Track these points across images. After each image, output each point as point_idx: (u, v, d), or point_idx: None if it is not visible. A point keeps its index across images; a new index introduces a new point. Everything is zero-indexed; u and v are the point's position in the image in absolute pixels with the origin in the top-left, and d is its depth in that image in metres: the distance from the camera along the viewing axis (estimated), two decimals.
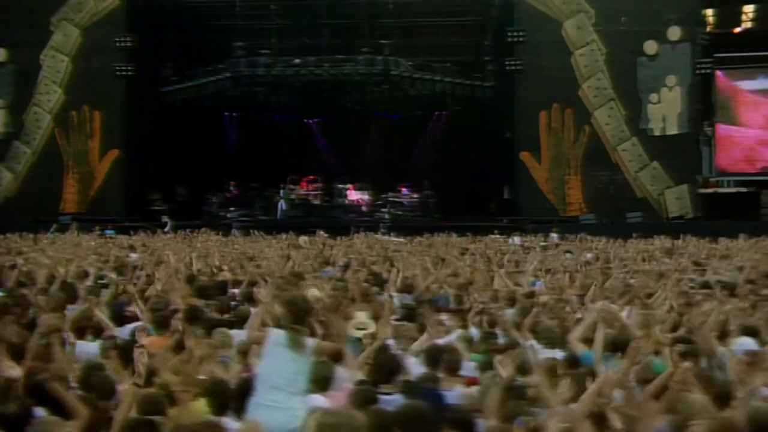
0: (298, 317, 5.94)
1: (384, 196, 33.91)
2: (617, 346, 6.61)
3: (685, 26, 31.75)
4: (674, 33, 31.78)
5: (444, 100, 33.57)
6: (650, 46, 31.76)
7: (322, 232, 27.43)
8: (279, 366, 5.76)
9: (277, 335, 5.92)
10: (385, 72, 30.72)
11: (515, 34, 31.46)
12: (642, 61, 31.81)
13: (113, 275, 13.11)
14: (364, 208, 34.18)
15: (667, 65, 31.89)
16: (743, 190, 34.20)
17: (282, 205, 34.43)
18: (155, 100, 32.71)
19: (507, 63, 31.51)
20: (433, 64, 32.20)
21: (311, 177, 35.49)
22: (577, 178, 31.89)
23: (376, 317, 8.52)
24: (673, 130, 32.04)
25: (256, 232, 26.41)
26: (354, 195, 35.01)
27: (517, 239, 25.42)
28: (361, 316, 8.27)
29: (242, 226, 30.57)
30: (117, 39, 31.85)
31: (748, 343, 6.85)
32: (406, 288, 10.86)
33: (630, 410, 4.71)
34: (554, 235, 27.31)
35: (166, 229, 30.36)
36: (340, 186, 35.08)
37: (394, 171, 34.77)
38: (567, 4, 31.60)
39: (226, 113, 36.43)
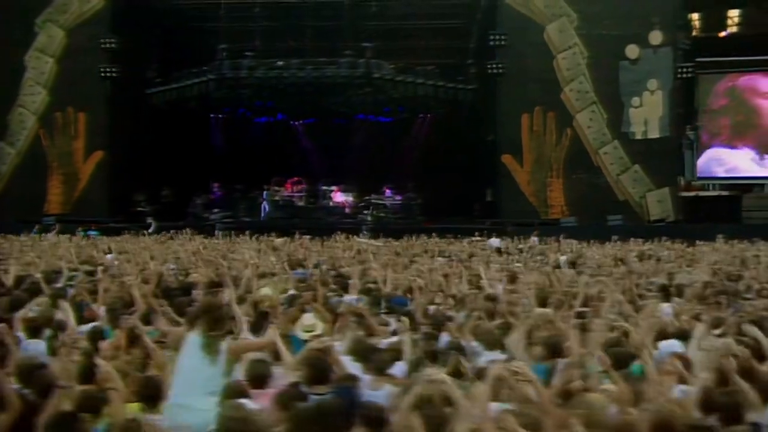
0: (213, 322, 6.17)
1: (367, 198, 34.06)
2: (554, 350, 6.79)
3: (666, 30, 31.96)
4: (656, 37, 32.03)
5: (427, 103, 33.72)
6: (632, 50, 32.01)
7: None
8: (194, 368, 5.98)
9: (193, 338, 6.13)
10: (367, 75, 30.91)
11: (497, 37, 31.67)
12: (624, 64, 32.07)
13: (83, 276, 13.30)
14: (347, 210, 34.34)
15: (648, 69, 32.14)
16: (725, 193, 34.51)
17: (266, 206, 34.58)
18: (140, 102, 32.87)
19: (489, 66, 31.71)
20: (416, 66, 32.36)
21: (296, 179, 35.62)
22: (559, 181, 32.11)
23: (325, 319, 8.73)
24: (654, 133, 32.28)
25: (232, 234, 26.52)
26: (339, 197, 35.18)
27: (495, 241, 25.57)
28: (308, 318, 8.46)
29: (225, 227, 30.74)
30: (101, 40, 31.97)
31: (674, 345, 7.03)
32: (366, 290, 11.02)
33: (532, 412, 4.86)
34: (535, 239, 27.52)
35: (150, 230, 30.51)
36: (325, 188, 35.24)
37: (378, 173, 34.92)
38: (549, 8, 31.83)
39: (211, 115, 36.51)
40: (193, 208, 34.07)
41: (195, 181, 34.56)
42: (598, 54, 31.83)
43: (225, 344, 6.18)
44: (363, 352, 6.90)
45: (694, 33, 35.36)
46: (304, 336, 8.05)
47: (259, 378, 6.40)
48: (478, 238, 27.46)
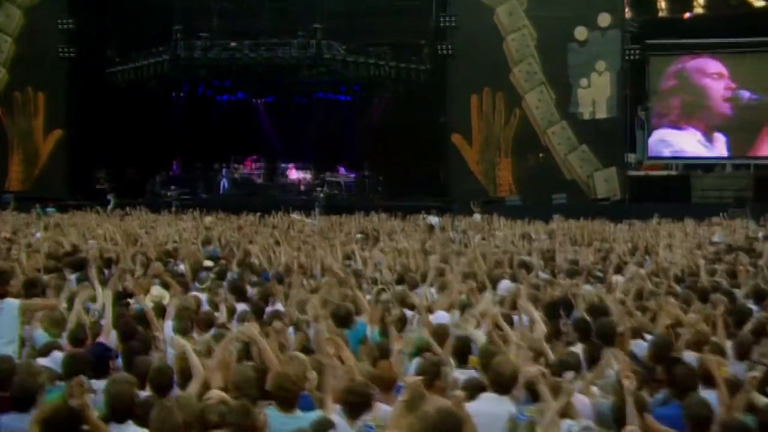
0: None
1: (322, 176, 34.81)
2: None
3: (615, 13, 32.54)
4: (604, 19, 32.57)
5: (382, 83, 34.20)
6: (580, 32, 32.57)
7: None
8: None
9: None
10: (318, 55, 31.50)
11: (448, 19, 32.32)
12: (572, 46, 32.62)
13: None
14: (302, 188, 35.10)
15: (597, 51, 32.68)
16: (674, 173, 35.24)
17: (225, 183, 35.36)
18: (99, 81, 33.32)
19: (439, 47, 32.39)
20: (369, 47, 32.86)
21: (254, 156, 36.37)
22: (508, 160, 32.84)
23: (175, 290, 9.70)
24: (602, 114, 32.91)
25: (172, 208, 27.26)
26: (294, 174, 35.96)
27: (434, 219, 26.29)
28: (157, 288, 9.44)
29: (183, 204, 31.47)
30: (59, 21, 32.55)
31: (442, 317, 7.86)
32: (242, 263, 11.96)
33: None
34: (477, 216, 28.32)
35: (109, 207, 31.22)
36: (283, 165, 36.02)
37: (334, 151, 35.68)
38: None
39: (173, 93, 37.03)
40: (152, 185, 34.76)
41: (157, 158, 35.16)
42: (546, 36, 32.39)
43: (17, 302, 7.22)
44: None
45: (660, 14, 36.10)
46: (150, 304, 9.01)
47: (78, 340, 7.33)
48: (424, 216, 28.22)
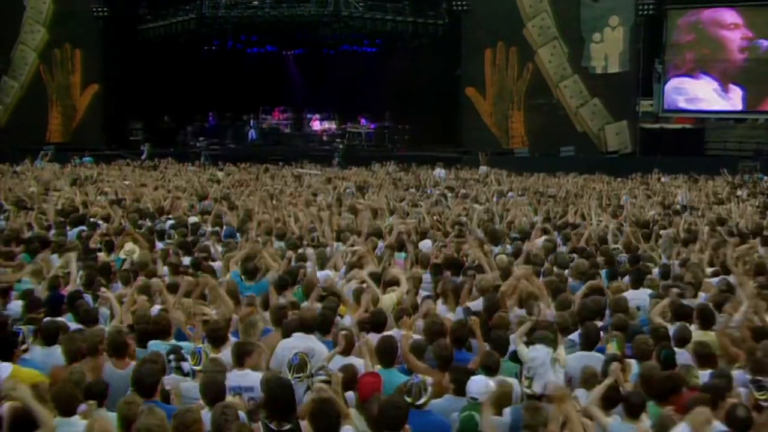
0: None
1: (343, 126, 36.29)
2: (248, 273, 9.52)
3: None
4: None
5: (401, 37, 35.29)
6: None
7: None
8: None
9: None
10: (336, 12, 32.72)
11: None
12: (585, 1, 33.26)
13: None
14: (324, 138, 36.62)
15: (610, 6, 33.28)
16: (688, 126, 35.68)
17: (253, 134, 37.09)
18: (132, 38, 35.03)
19: (455, 3, 33.41)
20: (387, 3, 33.88)
21: (282, 107, 37.95)
22: (520, 113, 33.92)
23: (142, 246, 11.53)
24: (614, 68, 33.60)
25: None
26: (317, 125, 37.49)
27: (440, 172, 27.69)
28: (129, 245, 11.31)
29: (211, 154, 33.37)
30: None
31: (327, 274, 9.54)
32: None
33: None
34: (484, 168, 29.63)
35: (143, 157, 33.24)
36: (308, 116, 37.57)
37: (357, 103, 37.02)
38: None
39: (204, 47, 38.54)
40: (183, 136, 36.67)
41: (189, 110, 36.94)
42: None
43: None
44: None
45: None
46: (123, 256, 10.90)
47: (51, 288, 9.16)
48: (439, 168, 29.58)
